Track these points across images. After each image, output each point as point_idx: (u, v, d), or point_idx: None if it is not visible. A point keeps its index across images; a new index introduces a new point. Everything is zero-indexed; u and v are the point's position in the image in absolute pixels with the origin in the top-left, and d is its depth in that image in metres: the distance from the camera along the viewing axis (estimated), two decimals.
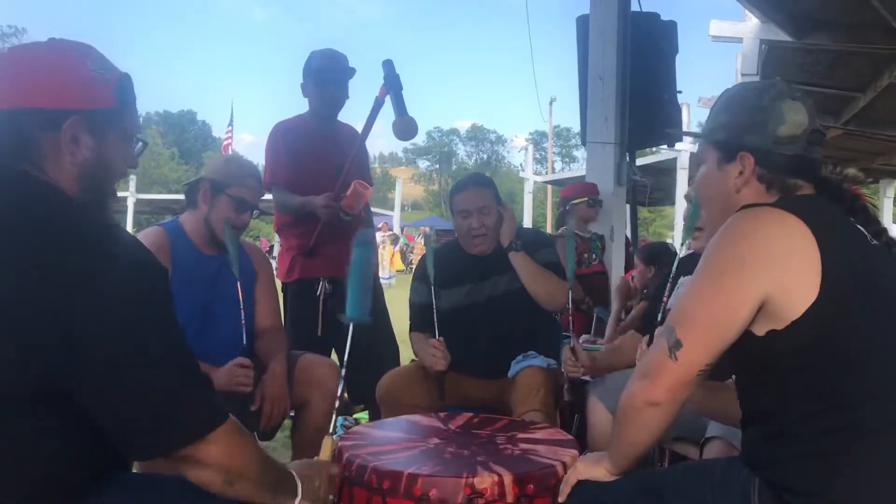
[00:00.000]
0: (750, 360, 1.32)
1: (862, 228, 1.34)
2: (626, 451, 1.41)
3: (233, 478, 1.22)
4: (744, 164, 1.40)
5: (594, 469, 1.48)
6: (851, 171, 1.43)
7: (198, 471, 1.19)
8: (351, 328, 1.68)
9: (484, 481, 1.50)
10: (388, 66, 2.72)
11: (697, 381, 1.29)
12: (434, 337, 2.52)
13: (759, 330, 1.26)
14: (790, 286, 1.22)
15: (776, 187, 1.39)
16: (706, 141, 1.49)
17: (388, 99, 2.73)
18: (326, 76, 3.07)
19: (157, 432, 1.15)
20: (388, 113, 2.79)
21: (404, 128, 2.70)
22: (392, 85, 2.69)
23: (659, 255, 3.81)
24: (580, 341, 3.47)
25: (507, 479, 1.51)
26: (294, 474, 1.39)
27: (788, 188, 1.38)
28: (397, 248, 21.78)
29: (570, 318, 2.74)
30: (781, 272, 1.23)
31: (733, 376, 1.50)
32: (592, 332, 3.90)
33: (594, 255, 4.20)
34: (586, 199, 4.24)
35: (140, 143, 1.35)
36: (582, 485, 1.48)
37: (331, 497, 1.50)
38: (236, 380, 2.21)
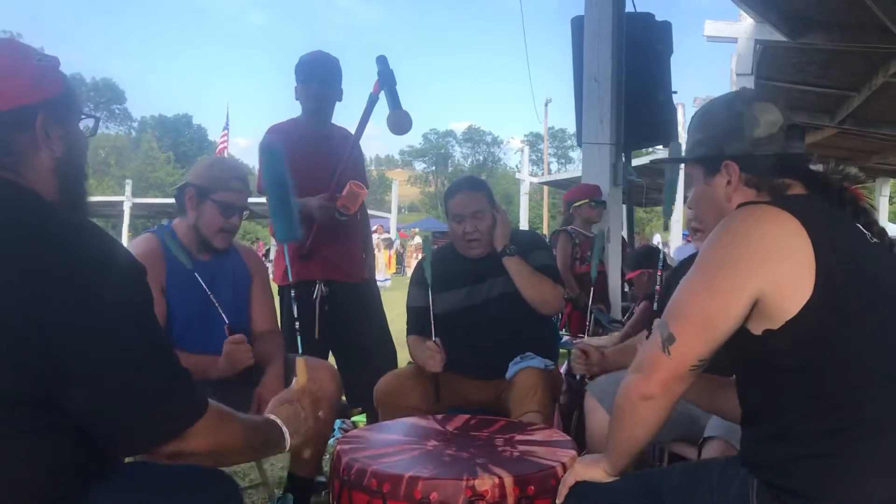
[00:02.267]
0: (747, 358, 1.32)
1: (861, 228, 1.34)
2: (623, 448, 1.41)
3: (219, 456, 1.27)
4: (729, 172, 1.41)
5: (592, 470, 1.48)
6: (852, 170, 1.43)
7: (185, 458, 1.22)
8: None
9: (485, 483, 1.50)
10: (381, 61, 2.70)
11: (691, 375, 1.29)
12: (431, 340, 2.51)
13: (755, 329, 1.26)
14: (784, 284, 1.22)
15: (765, 189, 1.39)
16: (689, 160, 1.50)
17: (382, 95, 2.72)
18: (311, 73, 3.07)
19: (138, 431, 1.16)
20: (383, 112, 2.78)
21: (398, 121, 2.68)
22: (386, 80, 2.68)
23: (646, 256, 3.83)
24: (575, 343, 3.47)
25: (508, 480, 1.51)
26: (278, 421, 1.41)
27: (777, 188, 1.38)
28: (392, 251, 21.77)
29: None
30: (776, 271, 1.23)
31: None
32: (590, 333, 3.89)
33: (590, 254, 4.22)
34: (587, 200, 4.30)
35: (92, 120, 1.35)
36: (579, 486, 1.48)
37: (319, 413, 1.55)
38: (237, 357, 2.19)
